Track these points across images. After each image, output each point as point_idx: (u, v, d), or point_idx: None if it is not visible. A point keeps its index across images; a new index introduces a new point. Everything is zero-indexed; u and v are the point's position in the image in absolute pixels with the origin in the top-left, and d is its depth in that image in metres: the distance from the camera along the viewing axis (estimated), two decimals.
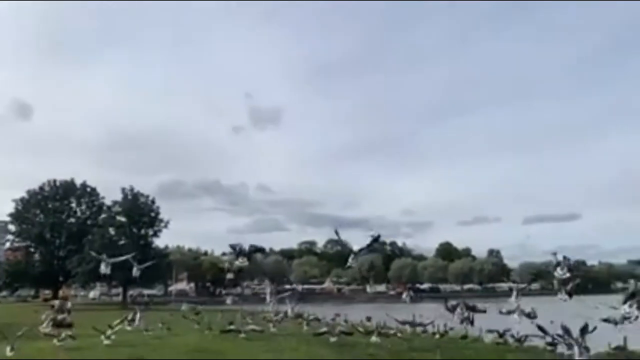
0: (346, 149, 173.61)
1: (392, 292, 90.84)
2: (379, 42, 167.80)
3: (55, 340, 13.86)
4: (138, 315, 19.86)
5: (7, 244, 59.91)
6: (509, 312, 13.53)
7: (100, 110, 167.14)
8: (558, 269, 9.50)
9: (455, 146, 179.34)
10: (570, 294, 11.35)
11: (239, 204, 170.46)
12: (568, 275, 9.73)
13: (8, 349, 12.34)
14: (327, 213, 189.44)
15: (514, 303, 13.19)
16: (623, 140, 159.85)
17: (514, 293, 13.49)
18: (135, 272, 20.71)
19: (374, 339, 15.29)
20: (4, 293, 59.10)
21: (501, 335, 15.33)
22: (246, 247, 14.79)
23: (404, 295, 17.27)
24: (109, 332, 15.18)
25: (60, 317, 17.58)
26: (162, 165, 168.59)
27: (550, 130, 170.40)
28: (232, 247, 14.64)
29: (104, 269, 18.47)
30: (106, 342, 14.70)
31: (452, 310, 15.42)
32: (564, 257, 10.57)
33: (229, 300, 26.76)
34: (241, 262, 14.66)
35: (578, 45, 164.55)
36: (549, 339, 14.06)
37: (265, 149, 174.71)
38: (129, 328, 18.54)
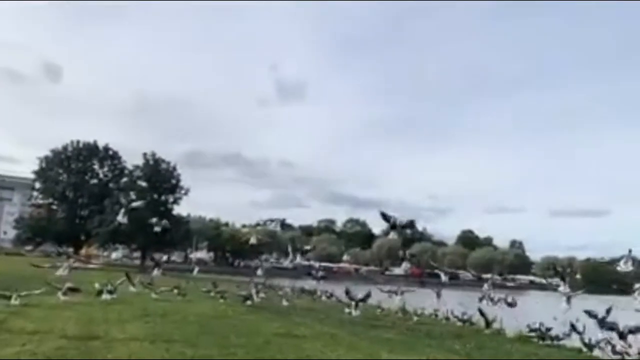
0: (370, 127, 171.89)
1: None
2: (407, 18, 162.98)
3: (59, 294, 14.25)
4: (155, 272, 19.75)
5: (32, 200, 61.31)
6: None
7: (126, 74, 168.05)
8: (621, 262, 8.64)
9: (482, 129, 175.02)
10: None
11: (260, 177, 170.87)
12: (631, 268, 8.80)
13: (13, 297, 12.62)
14: (348, 192, 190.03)
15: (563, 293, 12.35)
16: None
17: (563, 285, 12.63)
18: (157, 226, 21.11)
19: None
20: (29, 247, 60.51)
21: (534, 330, 14.44)
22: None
23: (442, 277, 17.10)
24: (109, 287, 15.72)
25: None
26: (185, 133, 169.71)
27: (582, 117, 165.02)
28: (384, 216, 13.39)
29: (120, 217, 18.99)
30: (105, 296, 15.30)
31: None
32: (629, 251, 9.59)
33: (259, 272, 25.97)
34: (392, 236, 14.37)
35: (613, 23, 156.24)
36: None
37: (289, 123, 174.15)
38: (133, 289, 18.38)
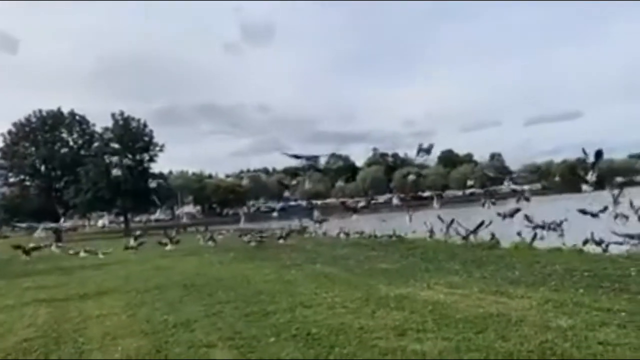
0: (342, 61, 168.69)
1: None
2: None
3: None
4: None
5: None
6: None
7: (86, 38, 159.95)
8: None
9: (452, 52, 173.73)
10: None
11: (239, 125, 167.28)
12: None
13: None
14: (328, 129, 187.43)
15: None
16: (625, 33, 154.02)
17: (587, 184, 12.42)
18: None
19: None
20: (7, 228, 58.64)
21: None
22: None
23: (434, 203, 17.46)
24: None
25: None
26: (156, 90, 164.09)
27: (549, 28, 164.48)
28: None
29: (116, 172, 19.79)
30: (101, 255, 17.75)
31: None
32: None
33: (242, 222, 26.18)
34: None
35: None
36: None
37: (260, 66, 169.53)
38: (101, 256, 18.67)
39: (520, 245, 14.33)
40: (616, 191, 13.19)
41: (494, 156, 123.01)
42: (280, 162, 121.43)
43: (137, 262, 16.86)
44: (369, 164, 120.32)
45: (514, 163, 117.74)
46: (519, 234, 15.43)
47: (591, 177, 12.39)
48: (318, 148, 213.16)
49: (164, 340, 6.15)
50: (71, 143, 56.18)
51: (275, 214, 27.19)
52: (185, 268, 14.02)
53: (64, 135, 55.94)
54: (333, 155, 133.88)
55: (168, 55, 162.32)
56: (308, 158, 16.40)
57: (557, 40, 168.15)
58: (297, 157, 16.34)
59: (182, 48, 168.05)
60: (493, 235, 15.80)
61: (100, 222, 72.86)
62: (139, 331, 6.75)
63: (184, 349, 5.72)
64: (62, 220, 19.22)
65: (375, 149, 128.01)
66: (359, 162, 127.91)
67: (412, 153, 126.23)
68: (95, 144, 54.05)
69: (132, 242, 20.72)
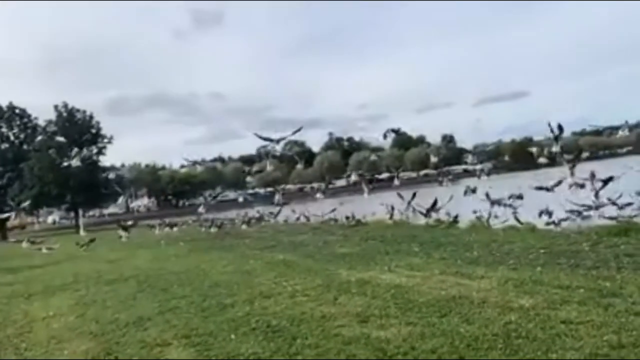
0: (294, 46, 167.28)
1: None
2: None
3: None
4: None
5: None
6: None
7: (28, 25, 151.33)
8: (620, 131, 7.48)
9: (402, 35, 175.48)
10: None
11: (192, 114, 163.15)
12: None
13: None
14: (283, 115, 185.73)
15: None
16: (570, 11, 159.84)
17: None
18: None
19: None
20: None
21: None
22: None
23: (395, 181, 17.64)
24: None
25: None
26: (105, 81, 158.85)
27: (496, 10, 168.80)
28: None
29: (74, 162, 19.08)
30: (45, 250, 16.88)
31: None
32: (626, 122, 8.16)
33: (201, 209, 26.01)
34: None
35: None
36: None
37: (211, 53, 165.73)
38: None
39: (476, 224, 14.56)
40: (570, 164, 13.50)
41: (446, 137, 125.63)
42: (237, 149, 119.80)
43: (87, 258, 16.15)
44: (326, 148, 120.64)
45: (465, 144, 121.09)
46: (475, 212, 15.63)
47: (555, 148, 12.78)
48: (273, 135, 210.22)
49: (114, 341, 5.79)
50: (12, 138, 53.16)
51: (240, 199, 27.26)
52: (139, 263, 13.48)
53: (4, 130, 52.85)
54: (289, 142, 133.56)
55: (116, 44, 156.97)
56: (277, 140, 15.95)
57: (504, 21, 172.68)
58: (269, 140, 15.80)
59: (130, 36, 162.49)
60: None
61: (50, 219, 69.86)
62: (87, 332, 6.35)
63: (136, 350, 5.38)
64: (11, 217, 18.14)
65: (331, 134, 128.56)
66: (316, 148, 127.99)
67: (367, 136, 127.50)
68: (39, 138, 51.41)
69: (82, 233, 20.14)
